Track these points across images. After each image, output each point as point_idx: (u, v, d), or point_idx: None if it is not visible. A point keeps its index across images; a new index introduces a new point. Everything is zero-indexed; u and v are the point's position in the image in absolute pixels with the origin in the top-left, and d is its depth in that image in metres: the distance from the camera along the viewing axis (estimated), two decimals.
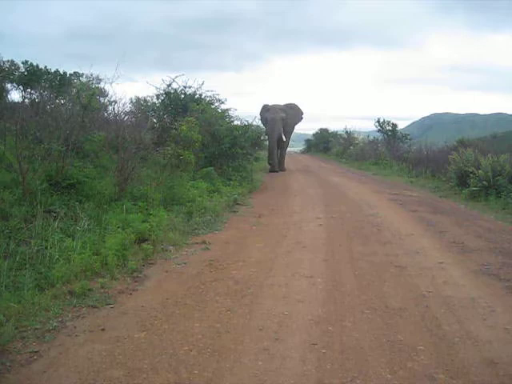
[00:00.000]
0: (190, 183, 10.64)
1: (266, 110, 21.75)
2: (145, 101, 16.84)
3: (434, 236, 8.01)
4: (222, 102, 16.35)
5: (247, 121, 16.60)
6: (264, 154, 22.06)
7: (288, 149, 25.02)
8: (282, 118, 21.07)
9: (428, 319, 4.45)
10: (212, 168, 12.47)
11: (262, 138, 18.04)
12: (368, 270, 5.94)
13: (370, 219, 9.47)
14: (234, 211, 10.20)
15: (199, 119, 12.83)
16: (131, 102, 17.36)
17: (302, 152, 47.80)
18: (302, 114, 22.72)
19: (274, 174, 20.14)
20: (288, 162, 23.14)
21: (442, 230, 8.53)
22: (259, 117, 21.43)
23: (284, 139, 21.36)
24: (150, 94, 16.18)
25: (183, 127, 10.79)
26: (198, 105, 14.40)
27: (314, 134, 45.96)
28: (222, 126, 14.21)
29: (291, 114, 21.82)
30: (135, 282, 5.41)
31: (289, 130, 22.04)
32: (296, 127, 23.18)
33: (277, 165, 21.17)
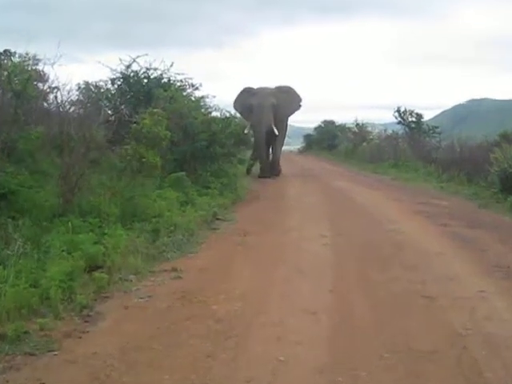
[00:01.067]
0: (156, 193, 10.63)
1: (249, 94, 21.50)
2: (96, 87, 16.78)
3: (472, 257, 8.09)
4: (197, 88, 16.40)
5: (229, 112, 16.71)
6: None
7: (283, 147, 24.76)
8: (272, 104, 20.68)
9: (466, 364, 4.46)
10: (184, 173, 12.44)
11: (246, 131, 17.91)
12: (387, 302, 5.96)
13: (390, 236, 9.54)
14: (214, 228, 10.20)
15: (167, 110, 12.82)
16: (79, 88, 17.18)
17: (301, 151, 48.00)
18: (299, 100, 22.43)
19: (264, 180, 20.10)
20: (282, 165, 23.17)
21: (482, 249, 8.61)
22: (236, 105, 21.35)
23: (276, 133, 20.86)
24: (104, 78, 16.12)
25: (146, 121, 10.78)
26: (165, 91, 14.40)
27: (315, 128, 46.29)
28: (196, 118, 14.23)
29: (285, 100, 21.36)
30: (85, 321, 5.37)
31: (282, 122, 21.57)
32: (292, 118, 23.13)
33: (268, 168, 21.08)
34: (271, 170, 21.31)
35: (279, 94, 21.40)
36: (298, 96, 22.40)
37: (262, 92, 21.23)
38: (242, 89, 22.06)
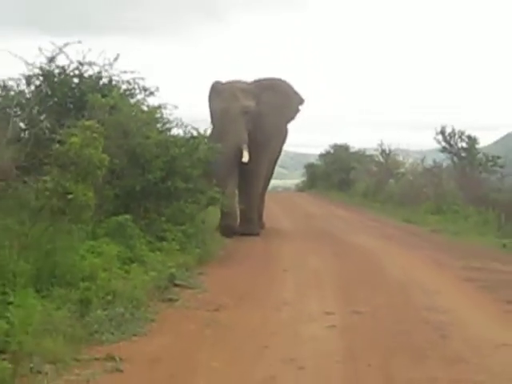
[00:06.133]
0: (87, 245, 10.65)
1: (215, 93, 20.07)
2: (4, 87, 16.80)
3: None
4: (151, 93, 16.35)
5: (196, 129, 16.73)
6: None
7: (273, 181, 24.05)
8: (245, 109, 18.82)
9: None
10: (128, 217, 12.44)
11: (245, 159, 17.92)
12: None
13: (428, 317, 9.53)
14: (171, 299, 10.20)
15: (106, 124, 12.84)
16: None
17: (300, 189, 48.28)
18: (298, 100, 20.89)
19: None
20: (273, 209, 22.98)
21: None
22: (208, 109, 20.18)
23: (245, 159, 18.45)
24: (15, 76, 16.13)
25: (75, 139, 10.79)
26: (104, 97, 14.41)
27: (321, 155, 46.59)
28: (149, 137, 14.28)
29: (272, 102, 19.45)
30: None
31: (268, 139, 19.48)
32: (288, 141, 21.64)
33: (235, 217, 18.99)
34: (244, 220, 19.30)
35: (260, 92, 19.67)
36: (295, 93, 20.85)
37: (230, 89, 19.51)
38: (211, 84, 20.58)
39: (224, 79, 20.55)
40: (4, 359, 6.48)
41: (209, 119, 19.55)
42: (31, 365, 6.68)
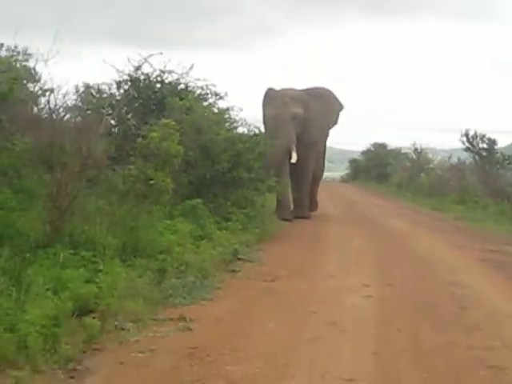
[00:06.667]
0: (165, 223, 10.69)
1: (268, 99, 19.38)
2: (98, 91, 16.96)
3: None
4: (221, 98, 16.31)
5: (258, 128, 16.73)
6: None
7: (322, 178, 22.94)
8: (294, 115, 18.37)
9: None
10: (200, 200, 12.49)
11: (293, 160, 17.69)
12: (443, 373, 5.94)
13: (449, 290, 9.57)
14: (234, 270, 10.25)
15: (183, 123, 12.91)
16: (76, 91, 17.35)
17: (344, 179, 48.16)
18: (339, 107, 20.51)
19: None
20: (321, 195, 22.93)
21: None
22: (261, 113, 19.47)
23: (293, 160, 18.11)
24: (107, 81, 16.27)
25: (154, 134, 10.87)
26: (182, 100, 14.49)
27: (363, 152, 46.46)
28: (218, 134, 14.32)
29: (318, 108, 19.03)
30: (71, 377, 5.38)
31: (314, 140, 19.25)
32: (333, 139, 21.91)
33: (288, 207, 18.96)
34: (297, 207, 19.12)
35: (308, 99, 19.16)
36: (338, 102, 20.46)
37: (281, 97, 18.92)
38: (265, 91, 19.80)
39: (278, 86, 20.09)
40: (94, 317, 6.56)
41: (262, 120, 19.16)
42: (116, 323, 6.77)
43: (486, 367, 6.09)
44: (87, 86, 16.84)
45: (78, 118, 12.02)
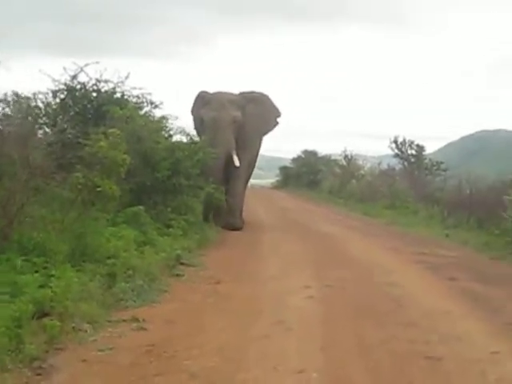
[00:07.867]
0: (110, 230, 10.81)
1: (203, 102, 18.79)
2: (34, 100, 16.71)
3: (483, 315, 8.41)
4: (156, 106, 16.49)
5: (196, 136, 17.00)
6: None
7: (252, 181, 23.02)
8: (233, 118, 17.94)
9: None
10: (142, 207, 12.61)
11: (237, 164, 17.64)
12: (386, 363, 6.30)
13: (386, 290, 9.88)
14: (178, 274, 10.47)
15: (124, 132, 12.94)
16: (5, 100, 16.90)
17: (275, 186, 48.34)
18: (276, 113, 19.93)
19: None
20: (253, 203, 23.41)
21: (495, 306, 8.98)
22: (191, 117, 19.14)
23: (236, 164, 17.82)
24: (42, 90, 16.10)
25: (102, 143, 10.97)
26: (121, 109, 14.57)
27: (294, 159, 46.71)
28: (159, 143, 14.54)
29: (254, 113, 18.56)
30: (37, 374, 5.58)
31: (249, 146, 18.71)
32: (264, 146, 20.88)
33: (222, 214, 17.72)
34: (229, 215, 17.98)
35: (245, 104, 18.66)
36: (274, 107, 19.86)
37: (219, 99, 18.36)
38: (196, 95, 19.50)
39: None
40: (52, 319, 6.69)
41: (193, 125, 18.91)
42: (73, 324, 6.94)
43: (424, 358, 6.49)
44: (16, 95, 16.51)
45: (10, 127, 11.80)
